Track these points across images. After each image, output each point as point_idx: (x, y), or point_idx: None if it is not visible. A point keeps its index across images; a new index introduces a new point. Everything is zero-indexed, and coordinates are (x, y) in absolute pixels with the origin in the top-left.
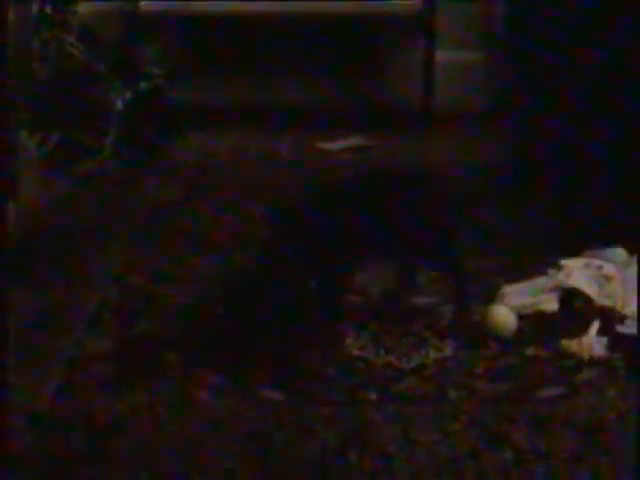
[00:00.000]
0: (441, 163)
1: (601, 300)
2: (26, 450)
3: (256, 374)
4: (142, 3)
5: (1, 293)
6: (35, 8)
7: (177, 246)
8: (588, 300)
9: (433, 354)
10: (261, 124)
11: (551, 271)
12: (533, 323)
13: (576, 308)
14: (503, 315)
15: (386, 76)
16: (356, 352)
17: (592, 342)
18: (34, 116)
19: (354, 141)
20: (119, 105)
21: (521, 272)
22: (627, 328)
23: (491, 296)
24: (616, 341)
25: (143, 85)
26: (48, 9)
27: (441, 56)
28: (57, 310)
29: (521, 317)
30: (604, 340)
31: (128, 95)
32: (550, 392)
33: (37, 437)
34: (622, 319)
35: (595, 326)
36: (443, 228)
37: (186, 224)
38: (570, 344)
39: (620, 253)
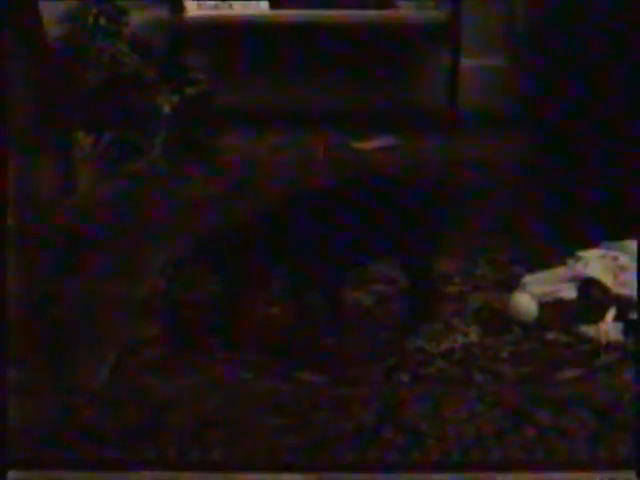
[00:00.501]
0: (464, 161)
1: (616, 289)
2: (85, 426)
3: (295, 357)
4: (188, 12)
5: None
6: (91, 19)
7: None
8: (605, 289)
9: (460, 339)
10: (299, 125)
11: (570, 261)
12: (553, 310)
13: (593, 296)
14: (525, 303)
15: (415, 80)
16: (389, 337)
17: (608, 328)
18: (88, 118)
19: (385, 141)
20: (167, 108)
21: (542, 262)
22: None
23: (514, 285)
24: (630, 327)
25: (189, 90)
26: (103, 20)
27: (465, 62)
28: (110, 298)
29: (542, 304)
30: (619, 326)
31: (176, 99)
32: (569, 374)
33: (94, 415)
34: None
35: (611, 313)
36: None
37: (229, 218)
38: (588, 329)
39: (634, 245)
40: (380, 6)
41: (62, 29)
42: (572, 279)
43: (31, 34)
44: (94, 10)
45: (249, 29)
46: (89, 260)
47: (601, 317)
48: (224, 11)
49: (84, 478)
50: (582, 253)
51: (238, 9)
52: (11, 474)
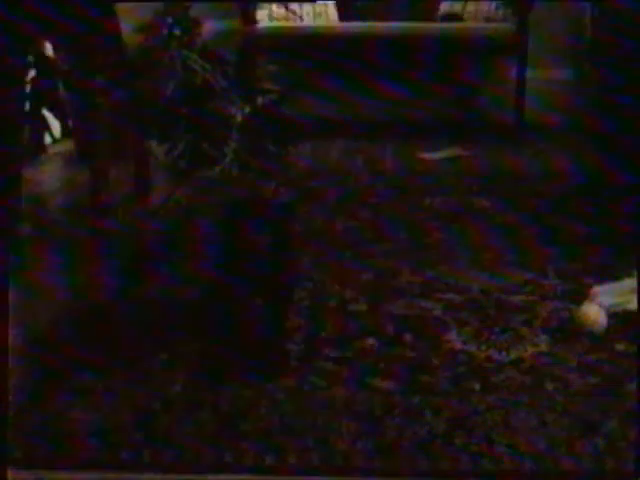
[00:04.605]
0: (530, 172)
1: None
2: (160, 432)
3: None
4: (259, 23)
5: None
6: (166, 29)
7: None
8: None
9: (530, 349)
10: (367, 135)
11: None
12: (622, 321)
13: None
14: (594, 313)
15: (482, 92)
16: (459, 346)
17: None
18: (162, 127)
19: (452, 151)
20: (238, 117)
21: (611, 274)
22: None
23: (583, 296)
24: None
25: (260, 100)
26: (177, 32)
27: (532, 74)
28: (187, 304)
29: (611, 315)
30: None
31: (247, 108)
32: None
33: (170, 420)
34: None
35: None
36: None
37: (297, 224)
38: None
39: None
40: (448, 19)
41: (137, 39)
42: None
43: (111, 44)
44: (169, 20)
45: (318, 40)
46: (164, 265)
47: None
48: (294, 23)
49: None
50: None
51: (308, 21)
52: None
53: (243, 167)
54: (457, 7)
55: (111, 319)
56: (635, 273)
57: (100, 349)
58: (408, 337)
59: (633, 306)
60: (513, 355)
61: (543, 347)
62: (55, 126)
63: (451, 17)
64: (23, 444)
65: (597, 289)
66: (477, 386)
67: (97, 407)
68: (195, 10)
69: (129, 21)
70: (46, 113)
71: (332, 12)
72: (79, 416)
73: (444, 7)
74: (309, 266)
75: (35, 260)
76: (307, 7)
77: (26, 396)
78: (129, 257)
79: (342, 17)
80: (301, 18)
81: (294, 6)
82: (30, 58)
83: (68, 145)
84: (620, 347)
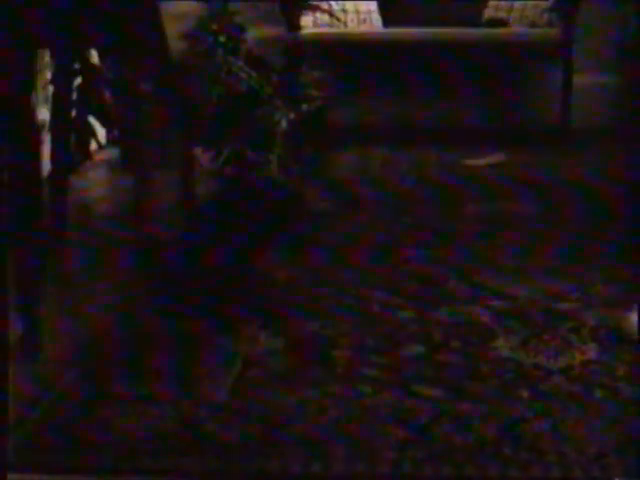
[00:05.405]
0: (576, 178)
1: None
2: (207, 437)
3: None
4: (304, 29)
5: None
6: (211, 38)
7: (336, 251)
8: None
9: (578, 356)
10: (411, 141)
11: None
12: None
13: None
14: None
15: (527, 98)
16: (507, 353)
17: None
18: (207, 134)
19: (496, 157)
20: (283, 124)
21: None
22: None
23: (630, 303)
24: None
25: (304, 106)
26: (222, 38)
27: (578, 79)
28: (231, 310)
29: None
30: None
31: (292, 115)
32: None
33: (217, 426)
34: None
35: None
36: None
37: (342, 231)
38: None
39: None
40: (493, 24)
41: (183, 46)
42: None
43: (157, 51)
44: (214, 27)
45: (363, 46)
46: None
47: None
48: (339, 29)
49: None
50: None
51: (352, 27)
52: None
53: (287, 174)
54: (502, 12)
55: (156, 326)
56: None
57: (144, 356)
58: (455, 344)
59: None
60: (561, 362)
61: (591, 355)
62: (101, 133)
63: (496, 22)
64: (69, 450)
65: None
66: (525, 393)
67: (143, 414)
68: (240, 17)
69: (175, 28)
70: (92, 120)
71: (376, 18)
72: (124, 423)
73: (488, 12)
74: (353, 273)
75: (79, 266)
76: (351, 13)
77: (72, 404)
78: (172, 264)
79: (386, 23)
80: (345, 24)
81: (338, 12)
82: (76, 65)
83: (114, 152)
84: None
